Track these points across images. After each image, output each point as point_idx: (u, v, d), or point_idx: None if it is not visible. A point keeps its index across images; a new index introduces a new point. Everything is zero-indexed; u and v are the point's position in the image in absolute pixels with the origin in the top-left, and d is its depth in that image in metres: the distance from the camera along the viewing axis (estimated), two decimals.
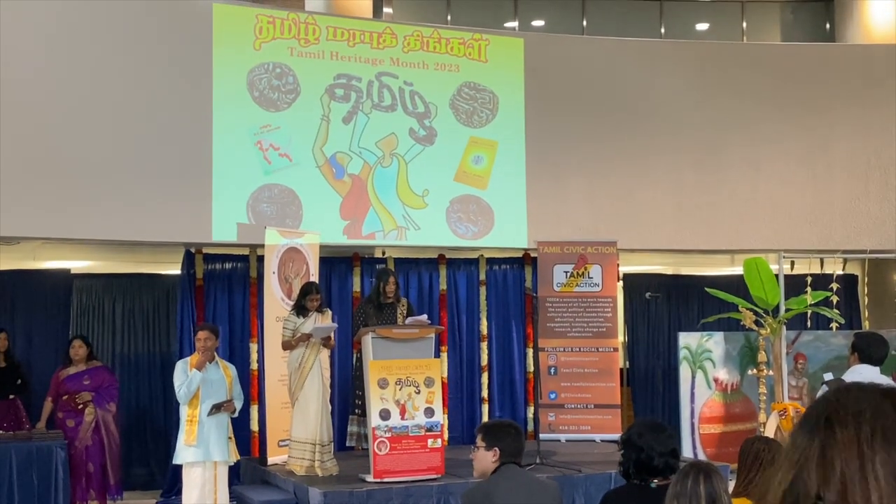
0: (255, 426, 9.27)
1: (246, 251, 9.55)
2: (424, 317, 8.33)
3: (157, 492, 9.30)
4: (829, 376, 5.53)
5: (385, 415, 7.30)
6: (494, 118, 10.17)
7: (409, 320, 8.20)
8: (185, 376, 7.13)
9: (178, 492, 8.80)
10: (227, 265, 9.69)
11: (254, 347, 9.43)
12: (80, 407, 8.34)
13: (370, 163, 9.67)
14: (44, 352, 9.39)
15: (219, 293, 9.61)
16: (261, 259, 9.01)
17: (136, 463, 9.60)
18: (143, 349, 10.02)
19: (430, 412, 7.44)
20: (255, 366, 9.38)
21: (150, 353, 10.02)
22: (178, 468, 7.51)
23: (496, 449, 4.01)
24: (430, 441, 7.42)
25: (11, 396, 8.62)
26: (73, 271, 9.88)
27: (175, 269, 9.71)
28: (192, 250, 9.45)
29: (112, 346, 9.91)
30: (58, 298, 9.67)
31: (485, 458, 4.04)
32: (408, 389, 7.40)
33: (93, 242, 9.11)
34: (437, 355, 8.83)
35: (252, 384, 9.31)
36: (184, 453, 7.11)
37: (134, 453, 9.52)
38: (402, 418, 7.34)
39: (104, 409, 8.44)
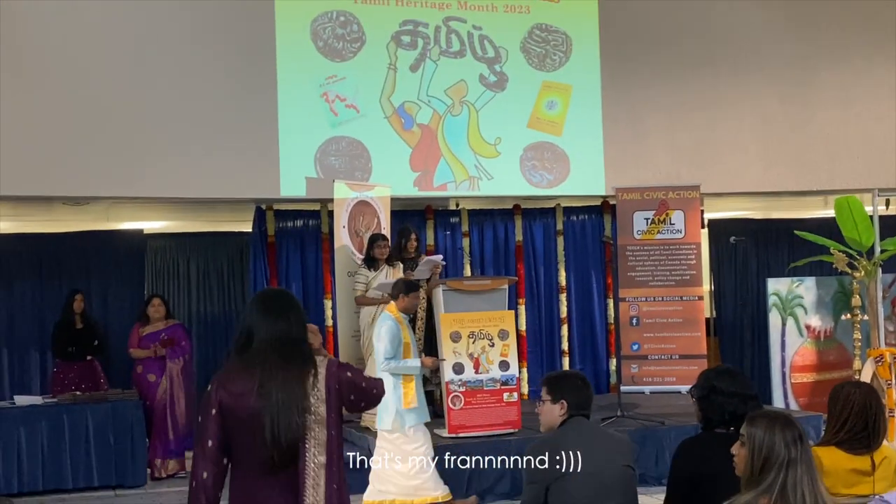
0: None
1: (317, 206, 9.41)
2: (439, 257, 8.12)
3: None
4: None
5: (459, 369, 7.10)
6: (568, 61, 9.80)
7: (422, 261, 7.93)
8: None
9: None
10: (299, 221, 9.58)
11: (328, 304, 9.31)
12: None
13: (440, 111, 9.40)
14: (119, 312, 9.43)
15: (291, 250, 9.51)
16: (332, 214, 8.85)
17: None
18: (219, 308, 10.02)
19: (505, 365, 7.21)
20: (329, 322, 9.26)
21: (224, 311, 10.01)
22: None
23: (563, 402, 3.75)
24: (505, 395, 7.21)
25: (89, 358, 8.64)
26: (145, 231, 9.87)
27: (247, 227, 9.62)
28: (263, 207, 9.34)
29: (187, 304, 9.93)
30: (132, 259, 9.69)
31: (552, 412, 3.78)
32: (481, 342, 7.18)
33: (160, 200, 9.06)
34: (512, 307, 8.58)
35: (328, 340, 9.19)
36: (408, 416, 6.40)
37: None
38: (477, 372, 7.13)
39: (178, 366, 8.38)
